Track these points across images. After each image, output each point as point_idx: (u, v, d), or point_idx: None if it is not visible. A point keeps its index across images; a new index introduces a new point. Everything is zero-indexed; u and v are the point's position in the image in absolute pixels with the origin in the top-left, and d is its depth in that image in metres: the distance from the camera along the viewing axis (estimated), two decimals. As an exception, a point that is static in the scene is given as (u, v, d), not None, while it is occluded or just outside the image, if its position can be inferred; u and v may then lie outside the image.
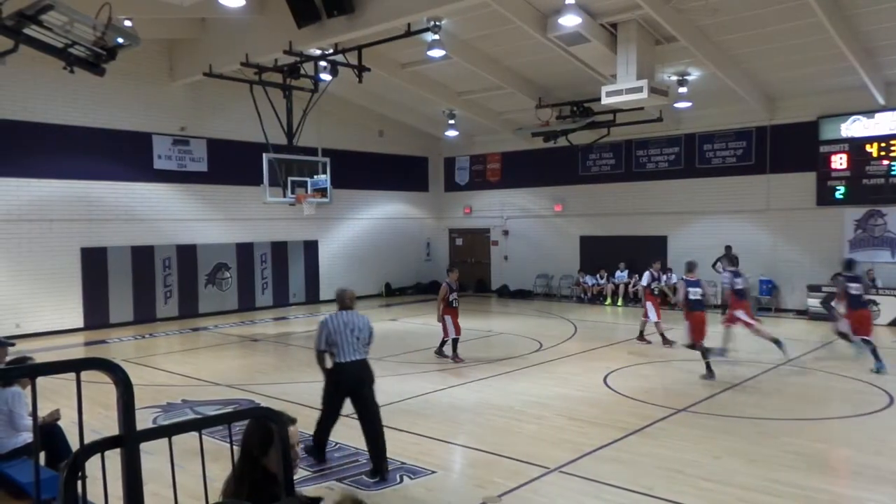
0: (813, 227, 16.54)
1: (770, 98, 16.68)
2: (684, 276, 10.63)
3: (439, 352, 11.70)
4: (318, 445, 6.56)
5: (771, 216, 17.15)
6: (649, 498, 5.54)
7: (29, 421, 5.28)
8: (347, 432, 7.48)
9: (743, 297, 11.12)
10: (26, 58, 9.98)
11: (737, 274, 11.28)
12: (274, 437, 2.53)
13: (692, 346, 10.25)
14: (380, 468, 6.10)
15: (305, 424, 7.67)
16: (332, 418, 6.56)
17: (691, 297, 10.26)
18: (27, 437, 5.41)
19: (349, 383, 6.38)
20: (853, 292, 10.59)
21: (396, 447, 6.92)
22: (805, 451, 6.77)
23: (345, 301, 6.59)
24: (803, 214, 16.65)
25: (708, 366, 9.98)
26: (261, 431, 2.70)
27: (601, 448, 6.82)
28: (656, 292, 13.05)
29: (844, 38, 12.36)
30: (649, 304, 12.70)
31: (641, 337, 12.98)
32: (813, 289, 15.89)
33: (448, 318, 11.32)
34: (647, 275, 13.09)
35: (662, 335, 12.56)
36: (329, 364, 6.45)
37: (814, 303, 15.74)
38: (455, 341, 11.39)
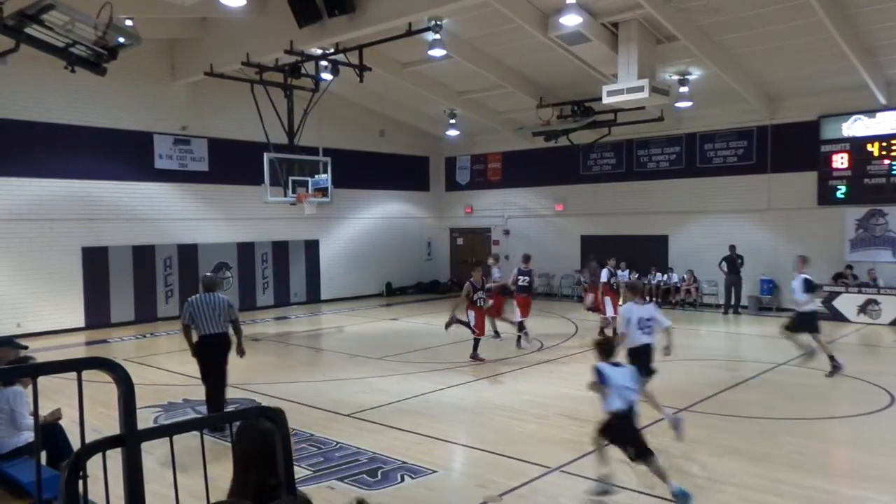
0: (814, 226, 16.53)
1: (771, 97, 16.67)
2: (520, 266, 12.69)
3: (474, 355, 11.39)
4: (216, 409, 7.77)
5: (772, 216, 17.14)
6: (650, 497, 5.54)
7: (30, 420, 5.29)
8: (349, 432, 7.49)
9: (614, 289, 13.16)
10: (27, 57, 9.98)
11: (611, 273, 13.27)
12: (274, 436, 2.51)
13: (517, 323, 12.42)
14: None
15: (306, 423, 7.68)
16: (209, 372, 7.91)
17: (520, 283, 12.54)
18: (28, 436, 5.42)
19: (208, 351, 7.75)
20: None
21: (398, 447, 6.93)
22: (806, 450, 6.77)
23: (207, 286, 7.98)
24: (804, 214, 16.64)
25: (519, 339, 12.29)
26: (262, 433, 2.64)
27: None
28: (615, 287, 13.38)
29: (845, 37, 12.34)
30: (608, 300, 13.03)
31: (602, 333, 13.05)
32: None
33: (472, 314, 11.38)
34: (605, 272, 13.33)
35: (615, 329, 12.61)
36: (195, 337, 7.77)
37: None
38: (477, 341, 11.37)
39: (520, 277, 12.86)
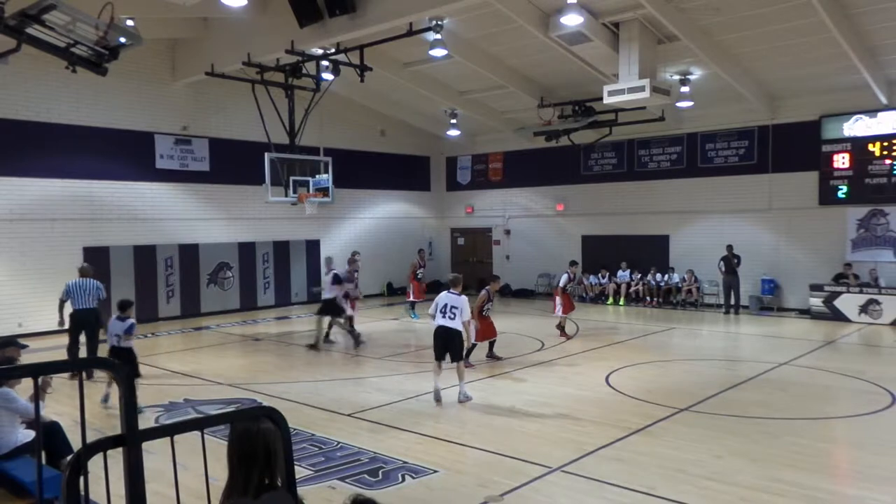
0: (815, 226, 16.52)
1: (772, 97, 16.66)
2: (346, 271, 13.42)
3: (490, 354, 11.55)
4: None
5: (773, 216, 17.13)
6: (651, 497, 5.54)
7: (29, 405, 5.30)
8: (350, 432, 7.49)
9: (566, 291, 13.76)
10: (29, 57, 10.02)
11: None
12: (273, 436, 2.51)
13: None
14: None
15: (307, 423, 7.69)
16: (75, 348, 10.61)
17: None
18: (28, 434, 5.43)
19: (81, 323, 10.46)
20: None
21: (399, 447, 6.93)
22: (808, 450, 6.76)
23: (82, 273, 10.80)
24: (805, 214, 16.63)
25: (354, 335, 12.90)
26: (263, 433, 2.61)
27: (603, 447, 6.82)
28: (568, 290, 14.02)
29: (847, 37, 12.33)
30: (558, 300, 13.58)
31: (563, 333, 13.66)
32: (815, 288, 15.86)
33: (473, 324, 10.91)
34: (564, 276, 14.03)
35: (563, 328, 13.63)
36: (69, 310, 10.37)
37: (816, 302, 15.74)
38: (473, 347, 11.08)
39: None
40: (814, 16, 11.72)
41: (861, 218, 15.95)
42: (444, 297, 8.91)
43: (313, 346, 12.71)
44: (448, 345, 8.74)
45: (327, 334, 13.33)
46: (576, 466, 6.30)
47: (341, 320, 13.05)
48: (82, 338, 10.64)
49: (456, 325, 8.70)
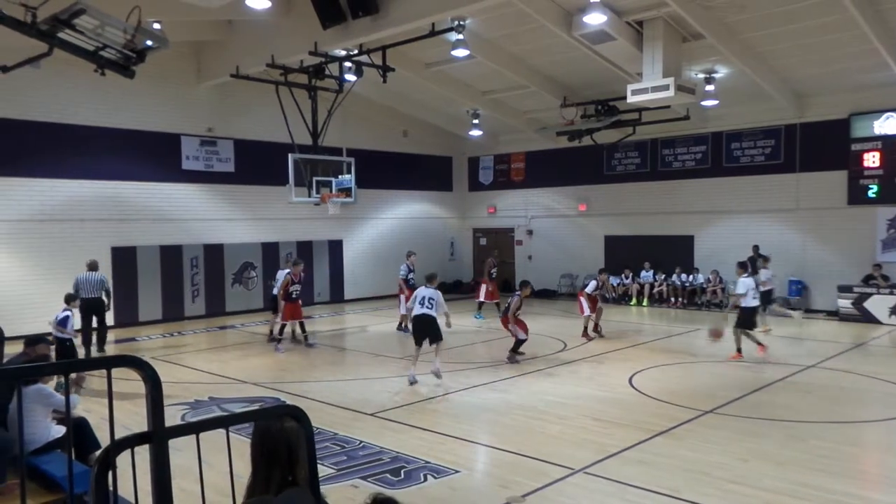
0: (844, 226, 16.22)
1: (799, 95, 16.39)
2: (290, 272, 13.10)
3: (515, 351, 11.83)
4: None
5: (801, 216, 16.86)
6: (674, 500, 5.49)
7: (60, 397, 5.44)
8: (372, 431, 7.53)
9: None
10: (58, 61, 10.20)
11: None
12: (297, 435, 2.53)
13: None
14: None
15: (330, 422, 7.74)
16: (88, 329, 12.26)
17: (291, 290, 12.97)
18: (58, 430, 5.55)
19: (89, 309, 12.34)
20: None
21: (421, 446, 6.95)
22: (835, 454, 6.65)
23: (89, 267, 12.59)
24: (834, 214, 16.34)
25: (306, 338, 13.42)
26: (286, 431, 2.63)
27: (626, 449, 6.77)
28: (595, 295, 13.89)
29: (877, 32, 12.09)
30: (584, 301, 13.55)
31: (585, 333, 13.69)
32: (844, 289, 15.58)
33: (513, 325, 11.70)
34: (592, 283, 13.93)
35: (586, 328, 13.73)
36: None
37: (845, 303, 15.45)
38: (523, 341, 11.64)
39: (291, 287, 13.26)
40: (842, 11, 11.51)
41: (892, 218, 15.62)
42: (422, 290, 10.23)
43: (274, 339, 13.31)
44: (427, 330, 9.95)
45: (281, 331, 13.36)
46: (598, 468, 6.27)
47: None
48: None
49: (433, 313, 10.00)
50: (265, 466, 2.47)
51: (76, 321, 11.05)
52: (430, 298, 10.03)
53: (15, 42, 8.98)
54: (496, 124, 20.79)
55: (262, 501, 2.45)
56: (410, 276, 15.04)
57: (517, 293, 11.90)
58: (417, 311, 10.00)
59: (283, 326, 13.25)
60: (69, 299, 10.33)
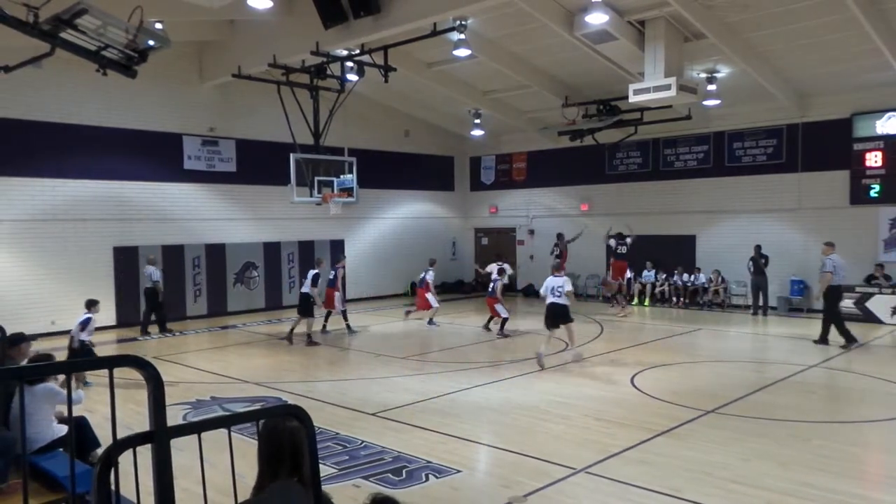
0: (846, 226, 16.18)
1: (802, 95, 16.37)
2: (340, 265, 14.92)
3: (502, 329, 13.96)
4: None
5: (802, 215, 16.83)
6: (676, 500, 5.48)
7: (63, 393, 5.44)
8: (374, 431, 7.53)
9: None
10: (60, 61, 10.22)
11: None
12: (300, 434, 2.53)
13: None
14: None
15: (331, 422, 7.75)
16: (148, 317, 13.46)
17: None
18: (60, 429, 5.56)
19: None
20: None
21: (422, 446, 6.95)
22: (838, 454, 6.64)
23: (150, 262, 13.94)
24: (836, 214, 16.31)
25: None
26: (289, 431, 2.63)
27: (628, 449, 6.77)
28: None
29: (879, 32, 12.07)
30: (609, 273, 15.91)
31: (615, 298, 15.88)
32: (846, 289, 15.52)
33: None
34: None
35: (615, 296, 16.89)
36: None
37: (847, 303, 15.41)
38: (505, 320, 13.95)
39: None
40: (844, 11, 11.49)
41: (894, 218, 15.60)
42: (550, 280, 11.27)
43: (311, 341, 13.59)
44: (558, 317, 10.99)
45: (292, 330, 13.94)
46: (600, 468, 6.26)
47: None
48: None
49: (563, 301, 10.94)
50: (270, 466, 2.48)
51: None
52: (558, 287, 10.93)
53: (17, 42, 9.00)
54: (498, 124, 20.78)
55: (252, 501, 2.45)
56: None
57: (497, 278, 14.03)
58: (550, 299, 10.97)
59: (328, 314, 14.76)
60: (90, 304, 10.53)
